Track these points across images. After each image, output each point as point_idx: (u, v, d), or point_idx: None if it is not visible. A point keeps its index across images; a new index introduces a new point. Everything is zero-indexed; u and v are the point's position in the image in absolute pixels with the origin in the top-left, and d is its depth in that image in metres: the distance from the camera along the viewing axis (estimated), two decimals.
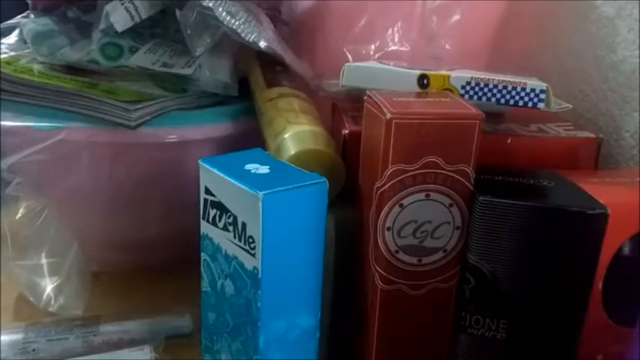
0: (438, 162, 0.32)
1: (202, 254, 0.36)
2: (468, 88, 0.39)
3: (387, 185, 0.33)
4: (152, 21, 0.48)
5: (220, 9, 0.43)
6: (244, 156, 0.35)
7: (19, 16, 0.54)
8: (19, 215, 0.45)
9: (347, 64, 0.41)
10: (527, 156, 0.40)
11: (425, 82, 0.39)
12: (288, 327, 0.33)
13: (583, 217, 0.32)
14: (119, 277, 0.51)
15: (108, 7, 0.44)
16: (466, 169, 0.33)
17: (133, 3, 0.45)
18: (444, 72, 0.39)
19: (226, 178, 0.32)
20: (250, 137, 0.44)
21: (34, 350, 0.41)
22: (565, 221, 0.32)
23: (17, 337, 0.42)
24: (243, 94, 0.49)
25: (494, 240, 0.33)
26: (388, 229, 0.34)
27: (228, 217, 0.32)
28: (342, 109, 0.43)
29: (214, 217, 0.34)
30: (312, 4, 0.54)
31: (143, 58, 0.46)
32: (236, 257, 0.33)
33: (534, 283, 0.33)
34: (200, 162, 0.34)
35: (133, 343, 0.42)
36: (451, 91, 0.39)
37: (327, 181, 0.32)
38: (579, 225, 0.32)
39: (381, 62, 0.43)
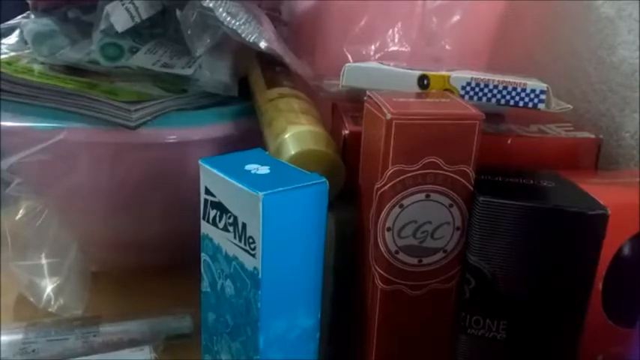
0: (438, 162, 0.32)
1: (202, 254, 0.36)
2: (468, 88, 0.39)
3: (388, 186, 0.33)
4: (152, 21, 0.48)
5: (220, 9, 0.43)
6: (244, 156, 0.35)
7: (19, 16, 0.54)
8: (19, 215, 0.45)
9: (347, 64, 0.41)
10: (527, 156, 0.40)
11: (425, 82, 0.39)
12: (288, 327, 0.33)
13: (583, 218, 0.32)
14: (119, 277, 0.51)
15: (108, 8, 0.44)
16: (466, 169, 0.33)
17: (133, 3, 0.45)
18: (444, 72, 0.39)
19: (226, 178, 0.32)
20: (250, 137, 0.44)
21: (33, 351, 0.41)
22: (565, 221, 0.32)
23: (17, 337, 0.42)
24: (243, 95, 0.49)
25: (494, 240, 0.33)
26: (388, 229, 0.34)
27: (229, 218, 0.32)
28: (342, 110, 0.43)
29: (214, 217, 0.34)
30: (312, 4, 0.54)
31: (143, 58, 0.46)
32: (236, 257, 0.33)
33: (534, 284, 0.33)
34: (200, 162, 0.34)
35: (132, 343, 0.42)
36: (451, 91, 0.39)
37: (327, 182, 0.32)
38: (579, 225, 0.32)
39: (381, 63, 0.43)
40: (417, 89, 0.39)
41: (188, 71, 0.46)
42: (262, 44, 0.45)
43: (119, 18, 0.44)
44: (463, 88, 0.39)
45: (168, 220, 0.47)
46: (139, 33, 0.47)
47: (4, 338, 0.41)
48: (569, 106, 0.39)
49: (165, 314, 0.45)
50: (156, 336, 0.43)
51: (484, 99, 0.39)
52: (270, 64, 0.49)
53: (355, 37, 0.51)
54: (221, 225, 0.33)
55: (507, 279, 0.33)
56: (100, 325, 0.43)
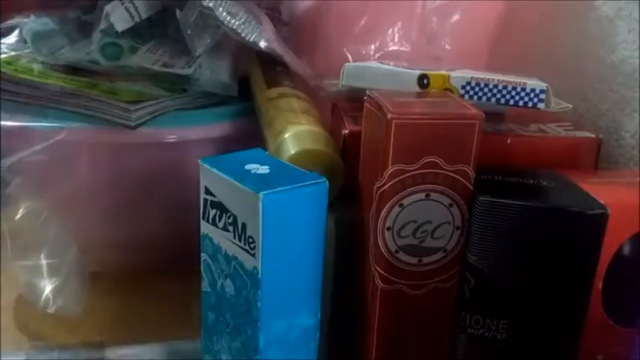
0: (438, 162, 0.32)
1: (202, 254, 0.36)
2: (468, 88, 0.39)
3: (387, 185, 0.33)
4: (152, 21, 0.48)
5: (220, 9, 0.43)
6: (244, 156, 0.35)
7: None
8: (19, 215, 0.45)
9: (347, 64, 0.41)
10: (527, 156, 0.40)
11: (425, 82, 0.39)
12: (288, 327, 0.33)
13: (583, 217, 0.32)
14: (119, 277, 0.51)
15: (108, 8, 0.44)
16: (466, 169, 0.33)
17: (133, 3, 0.45)
18: (444, 72, 0.39)
19: (226, 178, 0.32)
20: (250, 137, 0.44)
21: None
22: (565, 221, 0.32)
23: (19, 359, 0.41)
24: (243, 94, 0.49)
25: (494, 240, 0.33)
26: (388, 229, 0.34)
27: (228, 217, 0.32)
28: (342, 109, 0.43)
29: (214, 217, 0.34)
30: (312, 4, 0.54)
31: (143, 58, 0.46)
32: (236, 257, 0.33)
33: (534, 284, 0.33)
34: (200, 162, 0.34)
35: None
36: (451, 91, 0.39)
37: (326, 181, 0.32)
38: (579, 225, 0.32)
39: (381, 62, 0.43)
40: (416, 89, 0.39)
41: (188, 71, 0.46)
42: (262, 44, 0.45)
43: (119, 18, 0.44)
44: (463, 87, 0.39)
45: (168, 220, 0.47)
46: (139, 33, 0.47)
47: None
48: (568, 105, 0.39)
49: (171, 339, 0.44)
50: None
51: (484, 98, 0.39)
52: (270, 63, 0.49)
53: (355, 37, 0.51)
54: (221, 225, 0.33)
55: (507, 278, 0.33)
56: (104, 349, 0.43)
